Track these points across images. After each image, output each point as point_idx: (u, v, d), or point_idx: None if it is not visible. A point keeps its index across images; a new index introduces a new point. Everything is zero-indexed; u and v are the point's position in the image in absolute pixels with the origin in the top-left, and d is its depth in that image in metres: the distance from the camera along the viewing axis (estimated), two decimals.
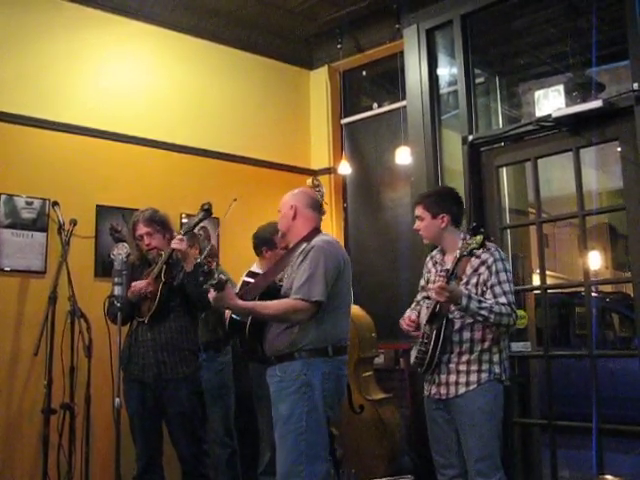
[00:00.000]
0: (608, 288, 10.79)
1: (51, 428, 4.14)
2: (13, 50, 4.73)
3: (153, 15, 5.44)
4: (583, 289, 4.52)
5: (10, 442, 4.41)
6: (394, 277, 5.54)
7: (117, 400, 3.52)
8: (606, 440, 4.18)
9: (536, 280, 5.06)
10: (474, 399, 3.22)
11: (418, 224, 3.55)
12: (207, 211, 3.85)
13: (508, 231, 4.83)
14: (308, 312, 3.15)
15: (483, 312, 3.14)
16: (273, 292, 3.31)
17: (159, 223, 4.04)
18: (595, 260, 12.75)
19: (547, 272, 4.64)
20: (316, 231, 3.44)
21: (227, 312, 3.43)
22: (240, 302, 3.15)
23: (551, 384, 4.41)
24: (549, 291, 4.85)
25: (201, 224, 4.32)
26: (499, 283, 3.25)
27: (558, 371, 4.60)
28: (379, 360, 5.26)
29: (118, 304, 3.59)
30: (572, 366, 6.63)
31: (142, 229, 4.00)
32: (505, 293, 3.23)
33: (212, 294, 3.10)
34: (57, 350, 4.19)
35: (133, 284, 3.86)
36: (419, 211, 3.53)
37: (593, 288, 4.92)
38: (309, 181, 4.85)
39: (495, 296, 3.23)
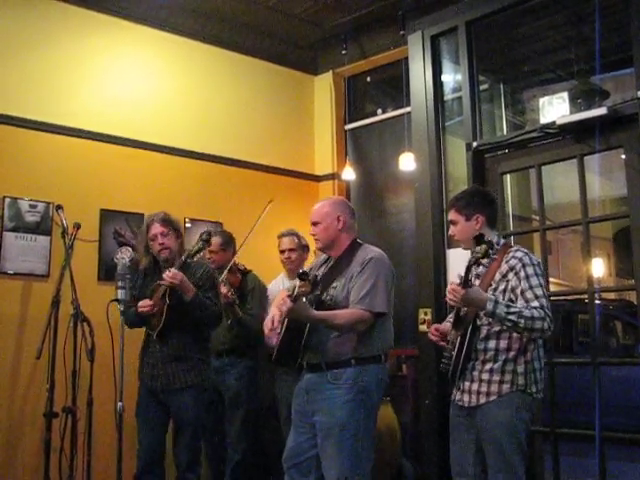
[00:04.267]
0: (611, 295, 10.76)
1: (53, 432, 4.13)
2: (18, 53, 4.75)
3: (159, 20, 5.46)
4: (586, 296, 4.51)
5: (12, 445, 4.42)
6: (398, 283, 5.52)
7: (119, 404, 3.51)
8: (609, 448, 4.17)
9: None
10: (493, 412, 3.09)
11: (452, 229, 3.39)
12: (206, 241, 3.85)
13: (512, 238, 4.82)
14: (369, 322, 3.23)
15: (512, 317, 2.95)
16: (320, 303, 3.31)
17: (174, 225, 4.10)
18: (598, 267, 12.73)
19: (550, 279, 4.63)
20: (357, 241, 3.46)
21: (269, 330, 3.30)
22: (315, 312, 3.16)
23: (554, 391, 4.39)
24: (552, 298, 4.83)
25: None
26: (530, 288, 3.05)
27: (561, 378, 4.58)
28: None
29: (121, 308, 3.60)
30: (575, 373, 6.62)
31: (157, 228, 4.02)
32: (538, 297, 3.03)
33: (288, 305, 3.05)
34: (59, 353, 4.19)
35: (140, 304, 3.93)
36: (452, 215, 3.37)
37: (596, 295, 4.91)
38: None
39: (527, 301, 3.03)
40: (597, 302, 5.27)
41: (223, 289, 4.40)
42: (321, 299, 3.31)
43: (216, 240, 4.77)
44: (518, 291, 3.09)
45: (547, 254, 4.60)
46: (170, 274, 3.78)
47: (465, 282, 3.04)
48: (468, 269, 3.07)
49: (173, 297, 3.86)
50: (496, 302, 2.99)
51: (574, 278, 12.83)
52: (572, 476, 5.22)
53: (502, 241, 3.33)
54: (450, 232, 3.44)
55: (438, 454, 4.60)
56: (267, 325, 3.26)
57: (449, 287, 3.09)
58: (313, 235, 3.46)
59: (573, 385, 5.78)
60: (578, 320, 8.91)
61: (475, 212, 3.31)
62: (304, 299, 3.10)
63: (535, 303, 3.02)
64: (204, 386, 4.03)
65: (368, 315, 3.20)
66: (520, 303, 3.05)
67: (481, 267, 3.25)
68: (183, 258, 3.87)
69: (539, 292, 3.05)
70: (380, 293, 3.26)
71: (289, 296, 3.07)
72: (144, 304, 3.92)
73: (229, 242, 4.90)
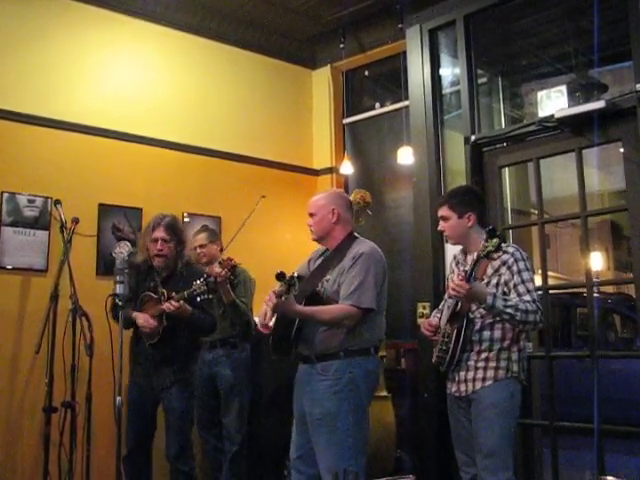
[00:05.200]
0: (610, 289, 10.77)
1: (52, 426, 4.14)
2: (16, 48, 4.74)
3: (156, 14, 5.45)
4: (585, 290, 4.51)
5: (11, 440, 4.43)
6: (396, 277, 5.52)
7: (118, 398, 3.52)
8: (607, 441, 4.18)
9: (538, 281, 5.04)
10: (488, 394, 3.23)
11: (443, 225, 3.49)
12: (212, 290, 3.89)
13: (510, 231, 4.82)
14: (357, 318, 3.26)
15: (509, 310, 3.11)
16: (315, 295, 3.38)
17: (177, 234, 4.13)
18: (597, 261, 12.74)
19: (549, 273, 4.62)
20: (353, 235, 3.51)
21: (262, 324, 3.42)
22: (300, 308, 3.23)
23: (553, 385, 4.40)
24: (551, 292, 4.84)
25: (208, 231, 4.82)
26: (522, 282, 3.22)
27: (560, 372, 4.58)
28: None
29: (120, 303, 3.60)
30: (574, 367, 6.63)
31: (161, 232, 4.06)
32: (529, 291, 3.20)
33: (273, 301, 3.17)
34: (58, 348, 4.19)
35: (143, 323, 3.98)
36: (444, 211, 3.47)
37: (595, 289, 4.91)
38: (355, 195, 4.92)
39: (519, 295, 3.20)
40: (596, 295, 5.27)
41: (217, 269, 4.41)
42: (316, 290, 3.38)
43: (202, 236, 4.84)
44: (511, 284, 3.25)
45: (545, 247, 4.59)
46: (172, 307, 3.85)
47: (470, 276, 3.17)
48: (475, 263, 3.20)
49: (170, 319, 3.96)
50: (495, 296, 3.14)
51: (572, 272, 12.83)
52: (571, 469, 5.24)
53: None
54: (440, 227, 3.53)
55: (437, 447, 4.61)
56: (260, 320, 3.38)
57: (454, 282, 3.19)
58: (309, 226, 3.51)
59: (571, 378, 5.79)
60: (577, 313, 8.92)
61: (468, 210, 3.43)
62: (283, 298, 3.16)
63: (527, 297, 3.18)
64: (190, 380, 4.19)
65: (355, 311, 3.24)
66: (512, 295, 3.22)
67: (469, 263, 3.34)
68: (185, 294, 3.88)
69: (530, 286, 3.23)
70: (369, 289, 3.27)
71: (275, 292, 3.19)
72: (148, 325, 3.98)
73: (214, 233, 4.97)
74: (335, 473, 3.15)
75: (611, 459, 4.24)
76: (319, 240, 3.54)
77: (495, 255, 3.23)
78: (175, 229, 4.12)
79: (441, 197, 3.65)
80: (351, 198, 4.69)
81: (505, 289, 3.25)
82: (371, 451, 4.60)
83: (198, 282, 3.85)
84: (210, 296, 3.92)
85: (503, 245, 3.24)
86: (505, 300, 3.14)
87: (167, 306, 3.88)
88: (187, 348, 4.14)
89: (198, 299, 3.87)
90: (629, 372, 7.29)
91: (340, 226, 3.46)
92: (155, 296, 4.05)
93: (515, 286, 3.23)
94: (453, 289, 3.18)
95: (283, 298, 3.14)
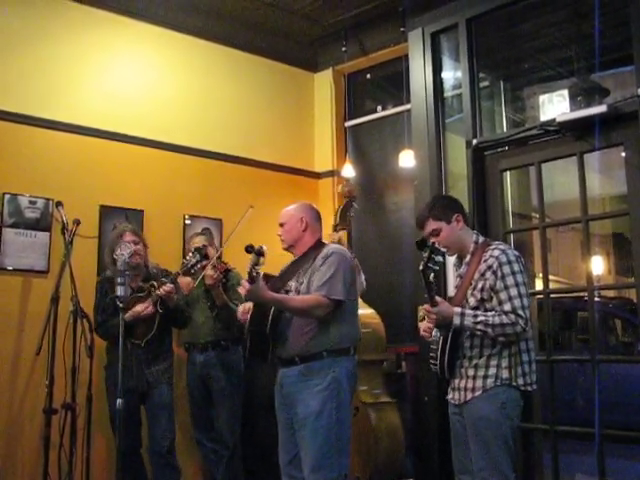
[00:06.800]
0: (611, 293, 10.77)
1: (52, 428, 4.14)
2: (18, 50, 4.75)
3: (158, 16, 5.45)
4: (586, 294, 4.51)
5: (11, 441, 4.42)
6: (397, 280, 5.53)
7: (118, 401, 3.52)
8: (608, 446, 4.17)
9: (539, 284, 5.05)
10: (478, 407, 3.14)
11: (437, 240, 3.28)
12: (204, 256, 4.28)
13: (511, 235, 4.82)
14: (327, 308, 3.35)
15: (480, 327, 3.06)
16: (286, 293, 3.50)
17: (142, 237, 4.46)
18: (598, 265, 12.74)
19: (550, 277, 4.62)
20: (321, 242, 3.66)
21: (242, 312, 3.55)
22: (271, 293, 3.33)
23: (553, 389, 4.39)
24: (552, 296, 4.84)
25: (202, 234, 4.99)
26: (505, 288, 3.10)
27: (560, 376, 4.57)
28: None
29: (121, 304, 3.60)
30: (574, 371, 6.62)
31: (130, 236, 4.34)
32: (511, 298, 3.08)
33: (246, 287, 3.26)
34: (59, 350, 4.19)
35: (140, 307, 4.19)
36: (432, 226, 3.33)
37: (596, 293, 4.90)
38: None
39: (500, 302, 3.10)
40: (597, 300, 5.27)
41: (210, 271, 4.58)
42: (286, 291, 3.49)
43: (197, 240, 4.86)
44: (495, 289, 3.14)
45: (547, 251, 4.59)
46: (167, 289, 4.16)
47: (432, 300, 3.12)
48: (428, 286, 3.10)
49: (163, 306, 4.21)
50: (462, 315, 3.10)
51: (574, 276, 12.84)
52: (571, 473, 5.23)
53: (481, 239, 3.36)
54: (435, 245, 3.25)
55: (438, 451, 4.61)
56: (240, 310, 3.56)
57: (424, 308, 3.18)
58: (279, 235, 3.67)
59: (572, 383, 5.78)
60: (577, 317, 8.92)
61: (453, 212, 3.35)
62: (261, 274, 3.29)
63: (507, 306, 3.09)
64: (172, 375, 4.45)
65: (326, 301, 3.34)
66: (494, 302, 3.13)
67: (463, 267, 3.32)
68: (180, 271, 4.24)
69: (513, 292, 3.10)
70: (339, 282, 3.39)
71: (247, 280, 3.28)
72: (144, 307, 4.19)
73: (209, 237, 5.02)
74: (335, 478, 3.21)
75: (612, 464, 4.23)
76: (289, 248, 3.67)
77: (486, 255, 3.19)
78: (139, 233, 4.46)
79: (417, 218, 3.46)
80: (338, 191, 5.15)
81: (492, 294, 3.15)
82: (381, 458, 4.64)
83: (189, 256, 4.25)
84: (204, 263, 4.35)
85: (491, 246, 3.23)
86: (475, 317, 3.08)
87: (163, 289, 4.15)
88: (168, 343, 4.43)
89: (193, 270, 4.25)
90: (630, 376, 7.28)
91: (309, 233, 3.62)
92: (142, 294, 4.24)
93: (497, 292, 3.13)
94: (427, 320, 3.24)
95: (255, 271, 3.25)
